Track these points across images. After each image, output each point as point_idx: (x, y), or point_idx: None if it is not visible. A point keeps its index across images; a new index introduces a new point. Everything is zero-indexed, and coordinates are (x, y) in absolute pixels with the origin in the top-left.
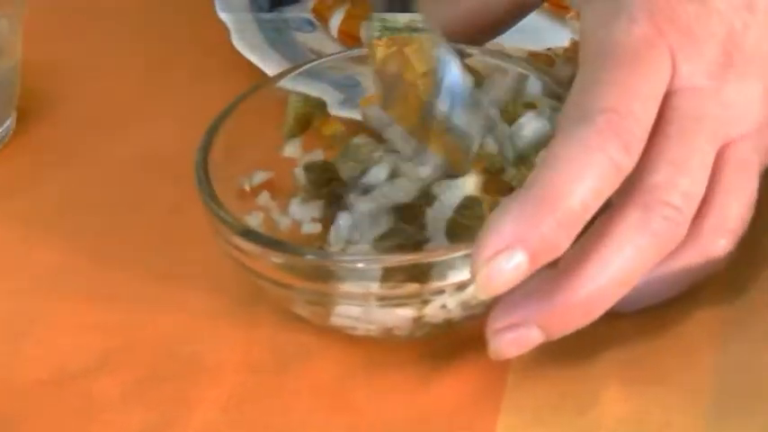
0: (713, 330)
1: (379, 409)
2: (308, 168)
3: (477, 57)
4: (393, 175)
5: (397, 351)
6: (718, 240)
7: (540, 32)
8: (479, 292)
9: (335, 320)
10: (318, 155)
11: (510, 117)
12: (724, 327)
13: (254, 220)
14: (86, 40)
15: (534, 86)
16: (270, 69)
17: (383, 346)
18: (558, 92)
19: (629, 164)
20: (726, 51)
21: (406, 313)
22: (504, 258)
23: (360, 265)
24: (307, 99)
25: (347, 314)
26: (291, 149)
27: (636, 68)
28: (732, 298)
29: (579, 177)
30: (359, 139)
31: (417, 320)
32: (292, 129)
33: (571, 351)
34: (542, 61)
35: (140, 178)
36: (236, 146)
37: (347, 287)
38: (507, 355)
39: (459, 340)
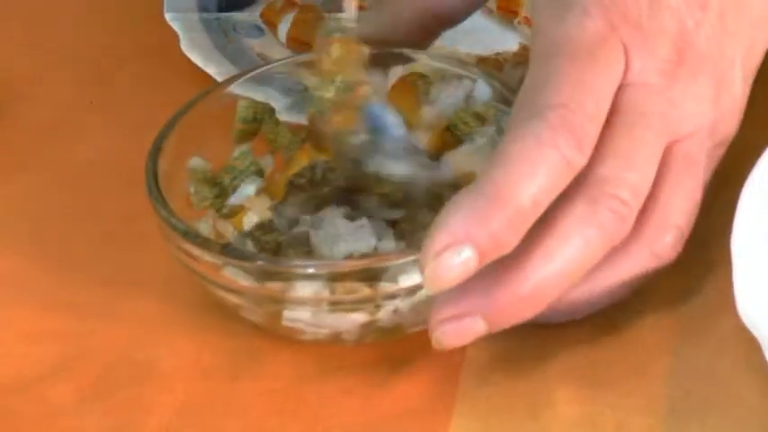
0: (667, 334)
1: (332, 414)
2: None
3: (424, 61)
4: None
5: (349, 355)
6: (663, 236)
7: (489, 37)
8: (427, 287)
9: (285, 324)
10: (269, 160)
11: (461, 128)
12: (678, 331)
13: (205, 227)
14: (36, 47)
15: (483, 92)
16: (219, 75)
17: (336, 351)
18: (508, 97)
19: (580, 160)
20: (677, 49)
21: (357, 318)
22: (452, 254)
23: (311, 270)
24: (254, 105)
25: (297, 318)
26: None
27: (589, 64)
28: (686, 302)
29: (530, 174)
30: (239, 151)
31: (368, 325)
32: (241, 134)
33: (524, 354)
34: (491, 66)
35: (93, 185)
36: (186, 152)
37: (298, 292)
38: (449, 345)
39: (411, 344)
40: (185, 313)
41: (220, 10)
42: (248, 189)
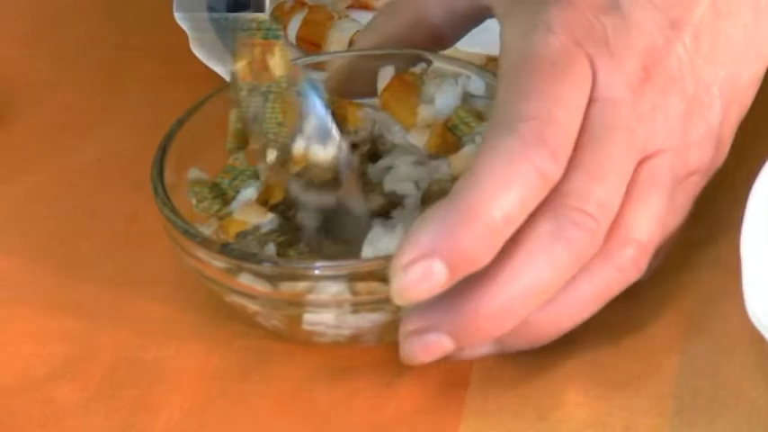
0: (676, 335)
1: (341, 415)
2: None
3: (437, 63)
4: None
5: (359, 356)
6: (624, 250)
7: (491, 36)
8: (395, 300)
9: (305, 328)
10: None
11: (461, 129)
12: (686, 331)
13: (207, 229)
14: (46, 48)
15: (477, 87)
16: (228, 74)
17: (345, 352)
18: None
19: (556, 171)
20: (644, 65)
21: (379, 318)
22: (419, 267)
23: (333, 271)
24: (244, 115)
25: (319, 321)
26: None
27: (556, 77)
28: (695, 302)
29: (502, 189)
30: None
31: (389, 325)
32: (233, 144)
33: (533, 355)
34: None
35: (100, 186)
36: (192, 154)
37: (321, 294)
38: (417, 360)
39: None
40: (193, 313)
41: (229, 10)
42: (248, 192)
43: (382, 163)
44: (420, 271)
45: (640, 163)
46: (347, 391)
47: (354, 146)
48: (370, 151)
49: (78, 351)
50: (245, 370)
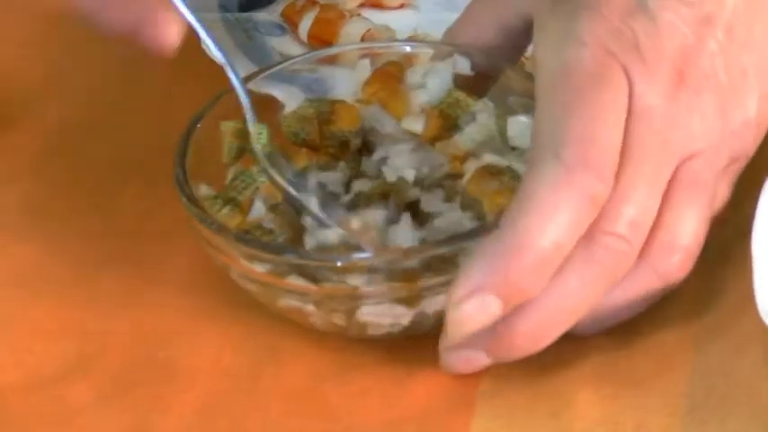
0: (688, 334)
1: (352, 413)
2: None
3: (395, 49)
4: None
5: (369, 354)
6: (671, 258)
7: None
8: (451, 333)
9: (360, 320)
10: None
11: (456, 110)
12: (699, 331)
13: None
14: (58, 44)
15: (463, 66)
16: (240, 73)
17: (356, 350)
18: (488, 61)
19: (604, 191)
20: (677, 68)
21: (442, 300)
22: (474, 302)
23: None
24: (236, 130)
25: (378, 312)
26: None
27: (594, 94)
28: (707, 302)
29: (549, 218)
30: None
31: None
32: (229, 157)
33: (545, 354)
34: (521, 69)
35: (113, 184)
36: (208, 150)
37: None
38: (457, 371)
39: (431, 343)
40: (206, 312)
41: (241, 9)
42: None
43: (377, 155)
44: (474, 305)
45: (679, 167)
46: (358, 390)
47: (345, 143)
48: (363, 145)
49: (91, 349)
50: (257, 368)
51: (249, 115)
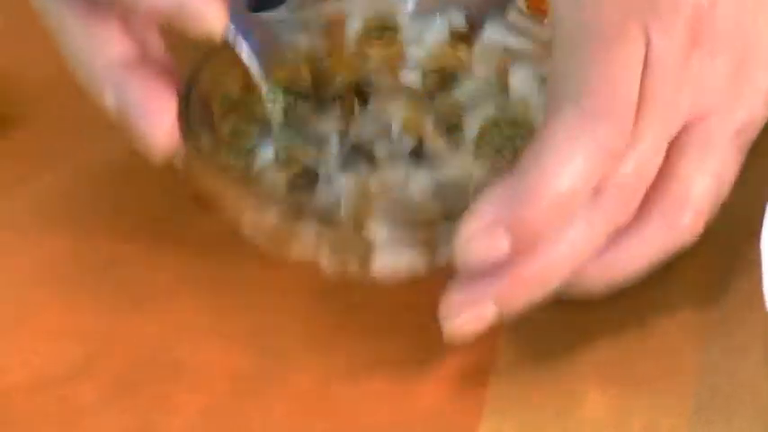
0: (696, 333)
1: (360, 414)
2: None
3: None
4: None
5: (378, 355)
6: (683, 212)
7: None
8: (458, 262)
9: (375, 264)
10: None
11: (453, 64)
12: (707, 329)
13: None
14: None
15: (459, 20)
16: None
17: (364, 350)
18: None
19: (620, 144)
20: (692, 28)
21: None
22: (483, 235)
23: None
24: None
25: (390, 258)
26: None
27: (615, 47)
28: (714, 301)
29: (568, 162)
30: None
31: None
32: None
33: (553, 354)
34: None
35: (122, 183)
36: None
37: None
38: (462, 333)
39: (439, 344)
40: (211, 312)
41: (251, 10)
42: (268, 152)
43: (372, 106)
44: (485, 239)
45: (692, 126)
46: (365, 391)
47: (339, 97)
48: (358, 95)
49: (96, 350)
50: (263, 369)
51: (260, 79)
